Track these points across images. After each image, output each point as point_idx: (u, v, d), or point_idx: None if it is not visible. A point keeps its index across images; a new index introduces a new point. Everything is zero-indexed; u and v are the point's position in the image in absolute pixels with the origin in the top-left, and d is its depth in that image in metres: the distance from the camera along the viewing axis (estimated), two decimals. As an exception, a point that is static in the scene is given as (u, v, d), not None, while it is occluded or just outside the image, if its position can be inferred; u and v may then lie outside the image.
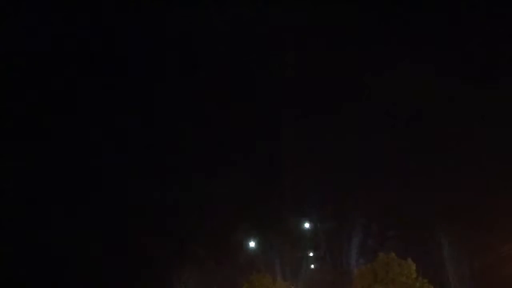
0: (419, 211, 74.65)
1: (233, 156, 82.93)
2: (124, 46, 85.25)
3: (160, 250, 76.86)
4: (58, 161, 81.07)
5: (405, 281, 64.68)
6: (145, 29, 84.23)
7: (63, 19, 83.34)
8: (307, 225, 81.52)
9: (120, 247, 78.41)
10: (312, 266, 79.94)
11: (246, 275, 69.03)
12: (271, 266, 73.91)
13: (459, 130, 77.45)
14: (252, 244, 79.89)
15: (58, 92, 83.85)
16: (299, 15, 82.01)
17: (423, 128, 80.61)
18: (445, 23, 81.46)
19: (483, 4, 79.70)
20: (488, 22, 79.77)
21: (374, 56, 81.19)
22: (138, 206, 79.49)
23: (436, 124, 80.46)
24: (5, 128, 79.25)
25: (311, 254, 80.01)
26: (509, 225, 70.40)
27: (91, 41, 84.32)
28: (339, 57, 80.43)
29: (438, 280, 68.64)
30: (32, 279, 75.40)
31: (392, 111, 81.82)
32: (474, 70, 79.66)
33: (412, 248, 69.53)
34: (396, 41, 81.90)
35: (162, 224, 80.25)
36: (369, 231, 77.71)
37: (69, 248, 75.81)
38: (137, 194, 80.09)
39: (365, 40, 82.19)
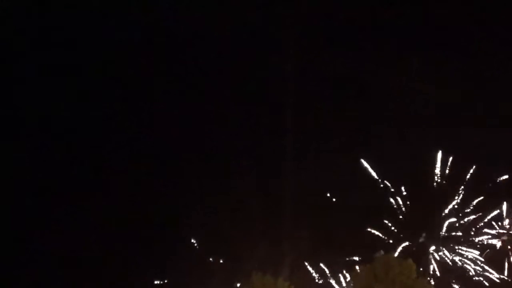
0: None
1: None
2: (122, 46, 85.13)
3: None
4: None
5: (405, 281, 64.76)
6: (145, 29, 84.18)
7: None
8: None
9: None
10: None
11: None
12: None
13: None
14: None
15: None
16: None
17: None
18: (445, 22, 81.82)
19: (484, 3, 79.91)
20: (489, 22, 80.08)
21: (374, 56, 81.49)
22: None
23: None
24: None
25: None
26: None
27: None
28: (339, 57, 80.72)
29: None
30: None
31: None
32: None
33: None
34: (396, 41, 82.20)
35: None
36: None
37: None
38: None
39: (366, 39, 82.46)
